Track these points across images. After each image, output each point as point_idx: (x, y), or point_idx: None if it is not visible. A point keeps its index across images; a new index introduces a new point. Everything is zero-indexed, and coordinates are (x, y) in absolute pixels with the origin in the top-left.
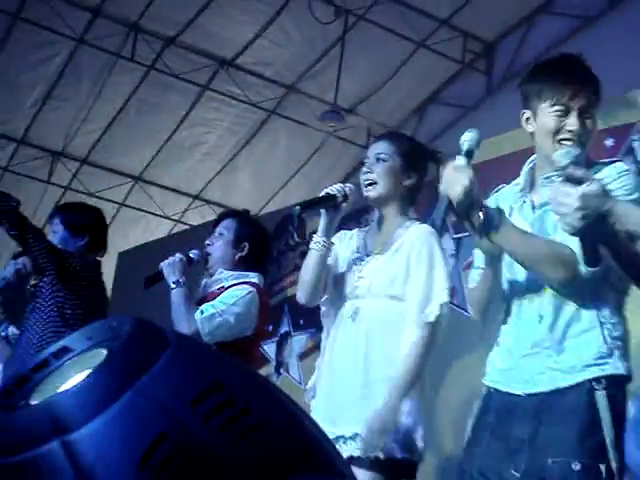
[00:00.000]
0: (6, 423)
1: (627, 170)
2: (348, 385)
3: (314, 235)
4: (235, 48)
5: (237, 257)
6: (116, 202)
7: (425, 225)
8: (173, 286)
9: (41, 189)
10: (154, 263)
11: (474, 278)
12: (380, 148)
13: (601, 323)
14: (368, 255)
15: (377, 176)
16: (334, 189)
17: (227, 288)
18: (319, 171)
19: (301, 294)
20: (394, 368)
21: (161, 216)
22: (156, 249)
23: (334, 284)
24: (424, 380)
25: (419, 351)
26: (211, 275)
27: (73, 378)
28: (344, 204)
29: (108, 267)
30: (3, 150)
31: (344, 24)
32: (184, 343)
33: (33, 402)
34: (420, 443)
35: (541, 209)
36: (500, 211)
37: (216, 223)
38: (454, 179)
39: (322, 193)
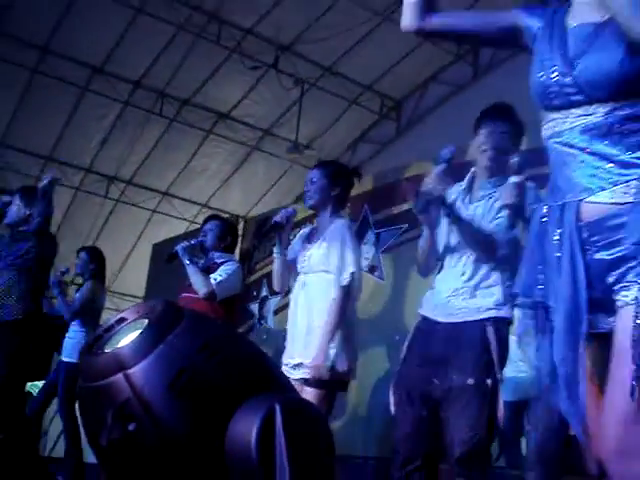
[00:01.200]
0: (91, 362)
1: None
2: (299, 331)
3: (274, 248)
4: (229, 105)
5: (222, 245)
6: (150, 209)
7: (342, 219)
8: (187, 262)
9: (100, 202)
10: None
11: (421, 245)
12: (312, 174)
13: (502, 282)
14: (310, 244)
15: (312, 192)
16: (278, 217)
17: (220, 264)
18: (286, 188)
19: (275, 285)
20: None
21: (181, 218)
22: (179, 241)
23: (294, 265)
24: (348, 323)
25: (338, 304)
26: (205, 254)
27: (128, 336)
28: (288, 224)
29: (146, 257)
30: (76, 176)
31: (301, 90)
32: (193, 316)
33: (106, 350)
34: (344, 367)
35: (474, 204)
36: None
37: (205, 223)
38: (433, 181)
39: (271, 222)
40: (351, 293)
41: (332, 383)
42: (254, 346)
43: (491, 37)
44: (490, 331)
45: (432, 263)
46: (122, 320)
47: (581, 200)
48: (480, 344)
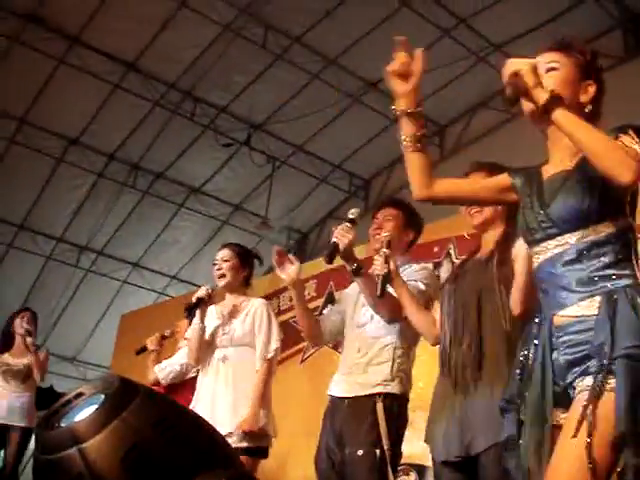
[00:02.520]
0: (47, 436)
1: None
2: (223, 402)
3: (194, 320)
4: (201, 180)
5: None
6: (120, 280)
7: (261, 299)
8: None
9: (70, 272)
10: (146, 323)
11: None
12: (222, 253)
13: (393, 359)
14: (231, 319)
15: (225, 271)
16: (200, 293)
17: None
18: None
19: (190, 358)
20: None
21: (150, 290)
22: (147, 313)
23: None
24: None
25: (265, 375)
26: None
27: (84, 411)
28: (208, 298)
29: (113, 327)
30: (47, 245)
31: (272, 167)
32: (147, 392)
33: (62, 424)
34: (271, 433)
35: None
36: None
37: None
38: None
39: (194, 298)
40: (273, 366)
41: (263, 449)
42: (204, 421)
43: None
44: (378, 406)
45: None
46: (80, 395)
47: (554, 314)
48: (366, 418)
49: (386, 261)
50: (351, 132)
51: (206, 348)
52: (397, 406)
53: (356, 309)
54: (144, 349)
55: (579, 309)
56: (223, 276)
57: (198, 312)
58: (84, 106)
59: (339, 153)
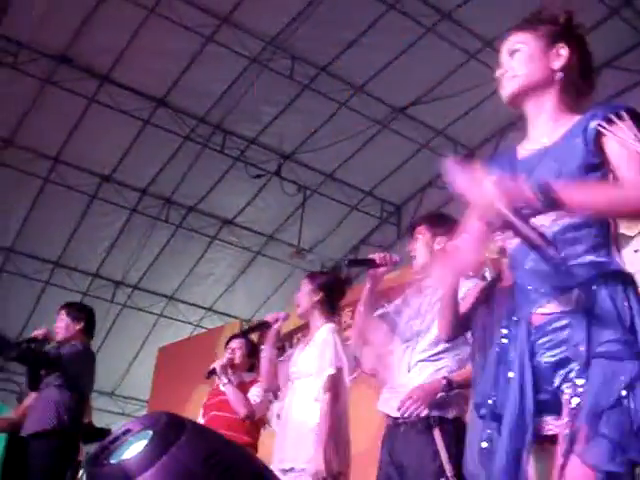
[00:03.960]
0: (99, 473)
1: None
2: (289, 436)
3: (261, 347)
4: (233, 212)
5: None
6: (156, 314)
7: (328, 325)
8: (226, 381)
9: (106, 307)
10: (183, 355)
11: None
12: (302, 283)
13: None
14: (299, 350)
15: (298, 300)
16: (268, 317)
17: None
18: (289, 291)
19: (263, 383)
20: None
21: (186, 322)
22: (183, 345)
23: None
24: (339, 424)
25: (326, 406)
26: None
27: (133, 447)
28: (275, 325)
29: (151, 360)
30: (83, 281)
31: (303, 196)
32: (195, 427)
33: (112, 461)
34: (337, 470)
35: (420, 299)
36: None
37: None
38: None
39: (261, 320)
40: (336, 392)
41: None
42: (255, 458)
43: None
44: (436, 433)
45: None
46: (127, 431)
47: (531, 312)
48: (429, 448)
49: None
50: (381, 158)
51: (275, 373)
52: (455, 429)
53: (401, 325)
54: (213, 372)
55: (556, 304)
56: (298, 307)
57: (268, 336)
58: (116, 143)
59: (369, 180)
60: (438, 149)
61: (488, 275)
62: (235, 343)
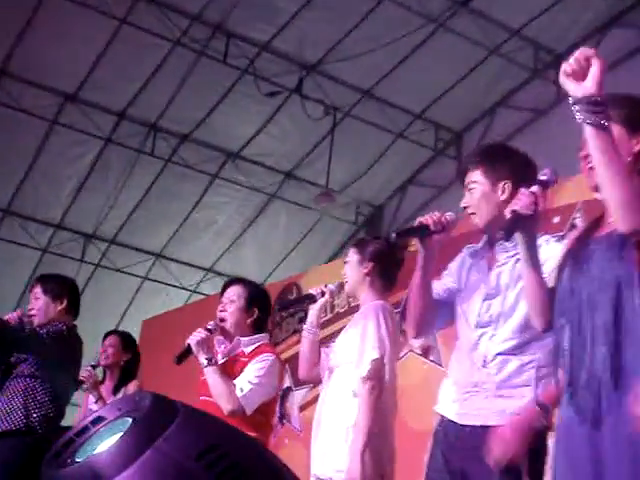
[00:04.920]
0: (60, 476)
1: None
2: (323, 435)
3: (303, 325)
4: (240, 142)
5: (248, 322)
6: (140, 276)
7: (375, 302)
8: (205, 363)
9: (75, 267)
10: (175, 329)
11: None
12: (347, 254)
13: (537, 381)
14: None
15: (345, 275)
16: (313, 290)
17: (250, 354)
18: (315, 246)
19: (300, 372)
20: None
21: (179, 287)
22: (176, 317)
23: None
24: (380, 422)
25: (364, 401)
26: (226, 336)
27: (106, 441)
28: (322, 299)
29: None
30: (43, 234)
31: (333, 120)
32: (189, 412)
33: (78, 460)
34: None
35: (496, 269)
36: None
37: (224, 290)
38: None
39: (304, 294)
40: (377, 385)
41: None
42: (270, 455)
43: None
44: None
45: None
46: (99, 420)
47: None
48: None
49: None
50: (435, 69)
51: (318, 360)
52: (538, 440)
53: (472, 302)
54: (187, 352)
55: None
56: (346, 281)
57: (309, 313)
58: (83, 50)
59: (420, 98)
60: (512, 55)
61: (579, 222)
62: (229, 293)
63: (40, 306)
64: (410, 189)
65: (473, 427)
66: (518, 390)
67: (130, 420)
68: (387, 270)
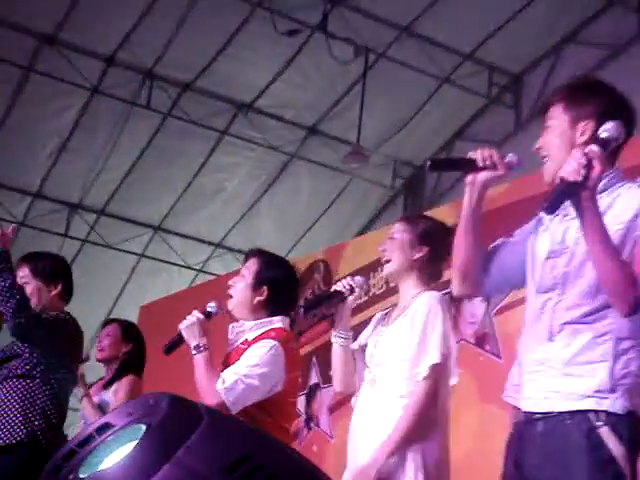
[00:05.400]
0: None
1: None
2: (362, 447)
3: (332, 330)
4: (253, 91)
5: (256, 301)
6: (136, 253)
7: (432, 292)
8: (194, 352)
9: (59, 243)
10: (178, 316)
11: None
12: (394, 228)
13: (615, 358)
14: (385, 327)
15: (389, 254)
16: (340, 285)
17: (252, 341)
18: (344, 214)
19: (336, 384)
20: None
21: (183, 266)
22: (179, 301)
23: (362, 356)
24: (432, 434)
25: (413, 409)
26: (236, 320)
27: (116, 452)
28: (351, 297)
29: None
30: (19, 204)
31: (364, 63)
32: (216, 417)
33: (81, 476)
34: None
35: (564, 223)
36: None
37: (245, 261)
38: None
39: (329, 291)
40: (432, 392)
41: None
42: (311, 465)
43: None
44: (605, 432)
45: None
46: (106, 427)
47: None
48: (586, 457)
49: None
50: (489, 1)
51: (354, 370)
52: (627, 431)
53: (536, 261)
54: (178, 340)
55: None
56: (387, 262)
57: (336, 315)
58: None
59: (470, 35)
60: None
61: None
62: (244, 267)
63: (31, 291)
64: (458, 145)
65: (546, 421)
66: (591, 367)
67: (144, 427)
68: (439, 256)
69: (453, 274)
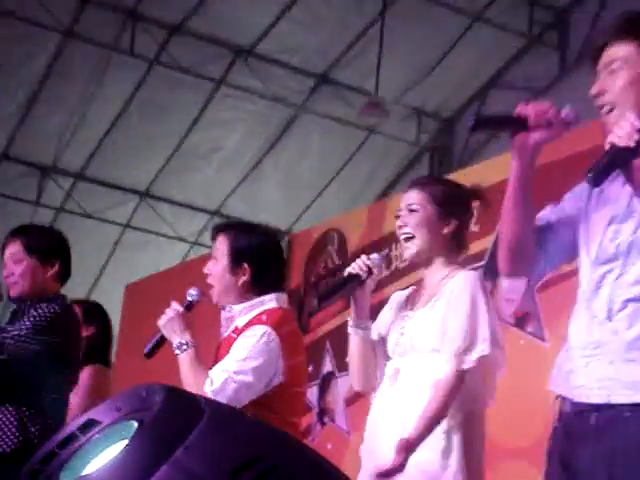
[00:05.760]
0: None
1: None
2: (386, 445)
3: (349, 319)
4: (254, 34)
5: (240, 284)
6: (120, 224)
7: (469, 271)
8: (177, 351)
9: (29, 212)
10: (169, 297)
11: None
12: (411, 198)
13: None
14: (411, 311)
15: (412, 229)
16: (355, 267)
17: (242, 329)
18: (361, 176)
19: (354, 382)
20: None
21: (174, 238)
22: (171, 279)
23: (383, 346)
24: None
25: (449, 387)
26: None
27: (103, 454)
28: (370, 280)
29: (115, 301)
30: None
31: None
32: (220, 412)
33: None
34: None
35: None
36: None
37: (213, 241)
38: None
39: (345, 273)
40: (479, 385)
41: None
42: (330, 465)
43: None
44: None
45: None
46: (90, 424)
47: None
48: None
49: None
50: None
51: (375, 363)
52: None
53: (594, 228)
54: (160, 340)
55: None
56: (410, 238)
57: (352, 302)
58: None
59: None
60: None
61: None
62: (214, 248)
63: (23, 271)
64: (493, 94)
65: (601, 414)
66: None
67: (135, 424)
68: (467, 226)
69: (502, 254)
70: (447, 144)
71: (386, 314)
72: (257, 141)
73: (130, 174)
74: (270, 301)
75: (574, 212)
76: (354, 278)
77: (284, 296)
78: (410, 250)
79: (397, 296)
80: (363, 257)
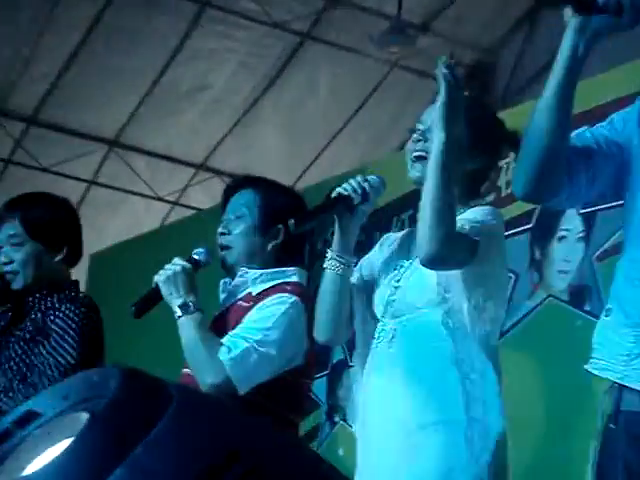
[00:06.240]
0: None
1: None
2: (381, 436)
3: (328, 250)
4: None
5: (270, 247)
6: (84, 180)
7: (480, 208)
8: (179, 313)
9: None
10: (142, 266)
11: None
12: (422, 118)
13: None
14: (409, 259)
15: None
16: (348, 187)
17: (258, 297)
18: (379, 120)
19: (319, 331)
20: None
21: (151, 197)
22: (145, 247)
23: (366, 305)
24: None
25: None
26: (232, 276)
27: (44, 453)
28: (363, 206)
29: (77, 273)
30: None
31: None
32: (190, 399)
33: None
34: None
35: None
36: None
37: (227, 199)
38: None
39: (333, 194)
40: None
41: None
42: (325, 464)
43: None
44: None
45: None
46: (29, 417)
47: None
48: None
49: None
50: None
51: (349, 310)
52: None
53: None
54: (154, 296)
55: None
56: (420, 158)
57: (336, 230)
58: None
59: None
60: None
61: None
62: (234, 205)
63: (23, 257)
64: (543, 17)
65: None
66: None
67: (85, 416)
68: (491, 167)
69: (519, 170)
70: (488, 82)
71: (374, 257)
72: (252, 77)
73: (95, 118)
74: (293, 274)
75: (621, 139)
76: (343, 199)
77: (306, 273)
78: (416, 172)
79: (389, 238)
80: (359, 177)
